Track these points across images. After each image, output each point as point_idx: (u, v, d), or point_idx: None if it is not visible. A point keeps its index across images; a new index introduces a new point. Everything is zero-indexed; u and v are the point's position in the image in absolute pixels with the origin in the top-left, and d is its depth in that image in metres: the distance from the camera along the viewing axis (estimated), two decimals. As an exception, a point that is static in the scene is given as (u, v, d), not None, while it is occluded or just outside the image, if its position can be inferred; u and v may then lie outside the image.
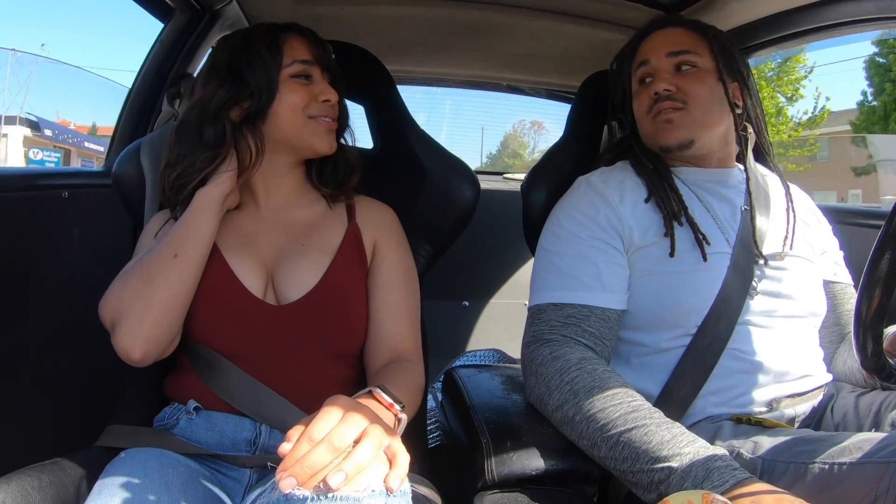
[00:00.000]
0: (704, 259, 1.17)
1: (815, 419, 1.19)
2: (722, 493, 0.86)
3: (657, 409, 1.02)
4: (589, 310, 1.16)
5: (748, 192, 1.27)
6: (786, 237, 1.25)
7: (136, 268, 1.08)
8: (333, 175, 1.28)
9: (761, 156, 1.38)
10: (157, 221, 1.22)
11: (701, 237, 1.18)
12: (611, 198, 1.23)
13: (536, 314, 1.20)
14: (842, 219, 1.55)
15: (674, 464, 0.93)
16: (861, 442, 0.90)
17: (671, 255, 1.17)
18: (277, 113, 1.17)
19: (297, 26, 1.23)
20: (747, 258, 1.19)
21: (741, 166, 1.32)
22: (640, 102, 1.31)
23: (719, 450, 0.94)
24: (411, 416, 1.04)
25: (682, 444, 0.95)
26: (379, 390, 0.94)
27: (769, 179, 1.34)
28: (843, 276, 1.34)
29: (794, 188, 1.38)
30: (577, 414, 1.04)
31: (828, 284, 1.31)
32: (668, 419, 1.00)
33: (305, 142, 1.19)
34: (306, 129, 1.18)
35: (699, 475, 0.90)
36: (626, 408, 1.01)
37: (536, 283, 1.23)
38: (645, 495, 0.97)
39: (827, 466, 0.90)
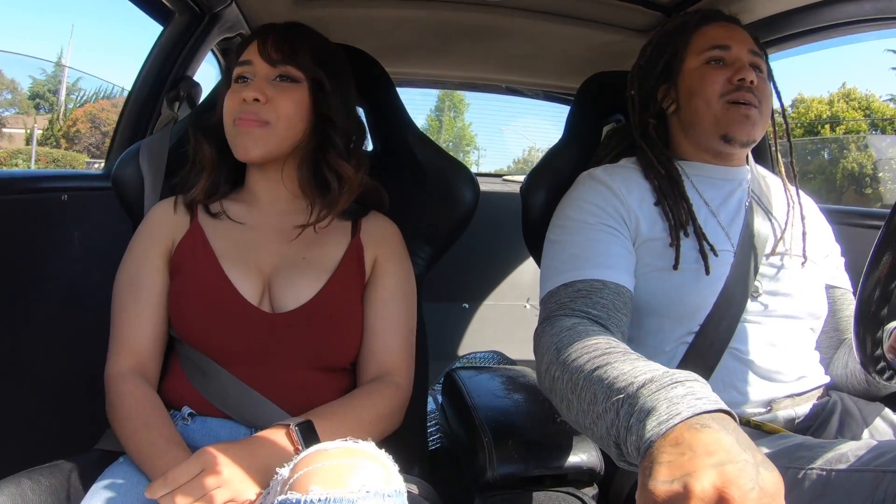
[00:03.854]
0: (707, 272, 1.15)
1: (817, 425, 1.18)
2: (667, 430, 0.66)
3: (634, 352, 0.87)
4: (602, 283, 1.10)
5: (753, 192, 1.26)
6: (789, 237, 1.25)
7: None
8: (323, 185, 1.23)
9: (764, 158, 1.38)
10: (160, 211, 1.22)
11: (707, 249, 1.17)
12: (617, 189, 1.21)
13: (547, 300, 1.14)
14: (842, 219, 1.55)
15: (622, 395, 0.75)
16: (858, 449, 0.90)
17: (675, 267, 1.16)
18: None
19: (260, 31, 1.23)
20: (750, 258, 1.18)
21: (748, 166, 1.32)
22: (711, 80, 1.24)
23: (690, 375, 0.73)
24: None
25: (639, 372, 0.77)
26: (294, 429, 0.97)
27: (771, 180, 1.35)
28: (843, 282, 1.33)
29: (804, 197, 1.37)
30: (557, 371, 0.92)
31: (828, 289, 1.30)
32: (644, 360, 0.83)
33: (233, 150, 1.18)
34: (231, 136, 1.18)
35: (645, 406, 0.71)
36: (597, 352, 0.87)
37: (545, 273, 1.18)
38: (609, 451, 0.80)
39: (824, 473, 0.90)
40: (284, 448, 0.95)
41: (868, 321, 0.84)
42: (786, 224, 1.27)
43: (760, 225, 1.22)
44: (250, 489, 0.88)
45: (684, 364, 1.15)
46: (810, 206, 1.38)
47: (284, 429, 0.97)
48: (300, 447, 0.94)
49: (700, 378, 0.73)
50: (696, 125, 1.26)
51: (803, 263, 1.24)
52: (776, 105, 1.32)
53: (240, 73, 1.19)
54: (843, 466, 0.89)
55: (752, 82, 1.20)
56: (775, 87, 1.29)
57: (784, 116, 1.35)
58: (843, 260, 1.36)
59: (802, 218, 1.29)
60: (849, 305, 1.31)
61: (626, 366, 0.80)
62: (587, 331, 0.96)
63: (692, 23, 1.30)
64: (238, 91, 1.17)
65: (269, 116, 1.14)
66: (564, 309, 1.08)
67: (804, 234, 1.27)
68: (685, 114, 1.28)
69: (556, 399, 0.94)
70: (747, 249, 1.19)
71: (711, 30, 1.27)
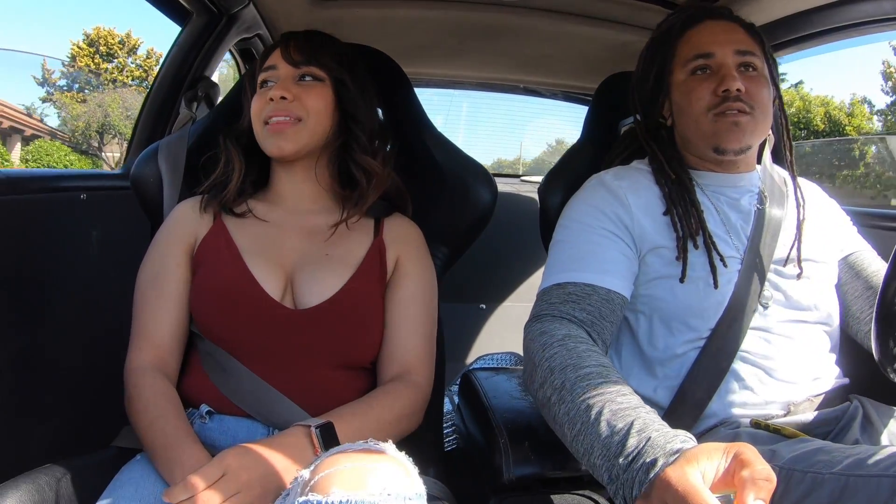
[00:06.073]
0: (715, 286, 1.14)
1: (837, 429, 1.16)
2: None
3: (625, 393, 0.91)
4: (592, 288, 1.13)
5: (762, 197, 1.25)
6: (799, 243, 1.23)
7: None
8: (350, 183, 1.27)
9: (780, 158, 1.35)
10: (185, 209, 1.23)
11: (717, 260, 1.16)
12: (622, 195, 1.21)
13: (540, 297, 1.18)
14: (862, 221, 1.53)
15: (612, 464, 0.83)
16: (877, 454, 0.89)
17: (681, 280, 1.15)
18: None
19: (282, 38, 1.27)
20: (759, 265, 1.17)
21: (758, 170, 1.30)
22: (697, 97, 1.21)
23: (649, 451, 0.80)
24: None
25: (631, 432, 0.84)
26: (315, 431, 0.96)
27: (785, 182, 1.33)
28: (859, 244, 1.31)
29: (809, 187, 1.35)
30: (554, 396, 0.96)
31: (847, 257, 1.29)
32: (631, 405, 0.88)
33: (265, 149, 1.22)
34: (262, 136, 1.21)
35: (628, 483, 0.80)
36: (590, 392, 0.91)
37: (545, 272, 1.21)
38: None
39: (843, 478, 0.88)
40: (305, 450, 0.95)
41: (890, 321, 0.83)
42: (796, 228, 1.24)
43: (769, 231, 1.21)
44: (270, 493, 0.88)
45: (697, 365, 1.14)
46: (820, 199, 1.36)
47: (305, 430, 0.97)
48: (320, 449, 0.94)
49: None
50: (690, 139, 1.26)
51: (816, 267, 1.23)
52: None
53: (265, 77, 1.23)
54: (861, 472, 0.87)
55: (738, 90, 1.17)
56: (774, 82, 1.25)
57: (784, 113, 1.33)
58: (854, 228, 1.34)
59: (812, 218, 1.27)
60: (873, 260, 1.29)
61: (608, 428, 0.85)
62: (577, 350, 0.99)
63: (676, 29, 1.27)
64: (264, 94, 1.21)
65: (301, 113, 1.19)
66: (553, 310, 1.11)
67: (811, 235, 1.25)
68: (679, 129, 1.28)
69: (548, 416, 0.98)
70: (755, 256, 1.18)
71: (695, 35, 1.25)
